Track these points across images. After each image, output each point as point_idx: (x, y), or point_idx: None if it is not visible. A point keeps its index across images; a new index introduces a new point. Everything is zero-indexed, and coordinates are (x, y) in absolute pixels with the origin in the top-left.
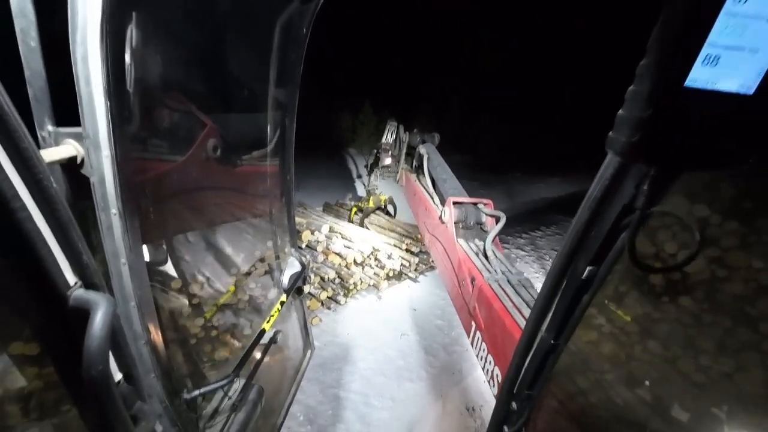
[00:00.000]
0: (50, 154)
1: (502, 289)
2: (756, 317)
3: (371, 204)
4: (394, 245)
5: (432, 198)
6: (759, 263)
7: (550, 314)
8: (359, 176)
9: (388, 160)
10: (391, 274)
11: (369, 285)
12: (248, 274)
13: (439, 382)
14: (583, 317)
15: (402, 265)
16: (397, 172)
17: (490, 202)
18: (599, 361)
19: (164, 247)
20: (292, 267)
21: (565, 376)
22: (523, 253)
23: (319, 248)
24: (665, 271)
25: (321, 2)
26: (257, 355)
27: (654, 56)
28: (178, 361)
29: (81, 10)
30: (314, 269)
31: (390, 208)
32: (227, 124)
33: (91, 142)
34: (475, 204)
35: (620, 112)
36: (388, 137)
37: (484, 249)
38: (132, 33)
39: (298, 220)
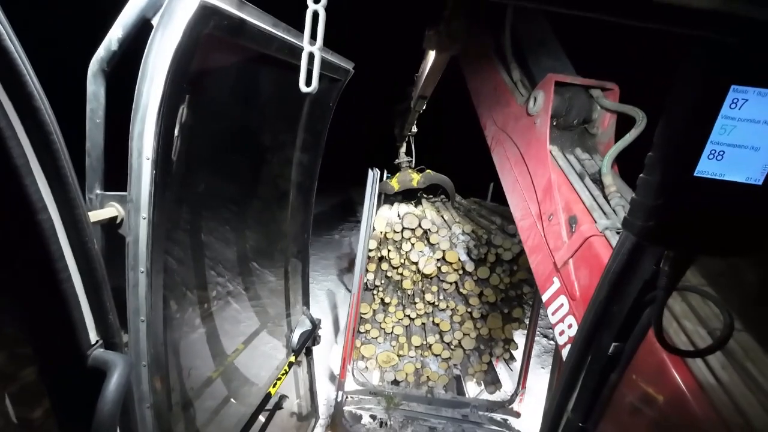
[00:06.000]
0: (96, 215)
1: None
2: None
3: (394, 184)
4: None
5: (509, 72)
6: None
7: (575, 393)
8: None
9: None
10: None
11: None
12: (257, 332)
13: None
14: (612, 397)
15: None
16: None
17: (615, 87)
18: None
19: (185, 306)
20: (302, 326)
21: None
22: None
23: None
24: (692, 355)
25: (347, 81)
26: (261, 419)
27: (661, 151)
28: (178, 429)
29: (145, 94)
30: None
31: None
32: (253, 188)
33: (133, 206)
34: (586, 89)
35: (634, 196)
36: None
37: (599, 171)
38: (181, 115)
39: None
